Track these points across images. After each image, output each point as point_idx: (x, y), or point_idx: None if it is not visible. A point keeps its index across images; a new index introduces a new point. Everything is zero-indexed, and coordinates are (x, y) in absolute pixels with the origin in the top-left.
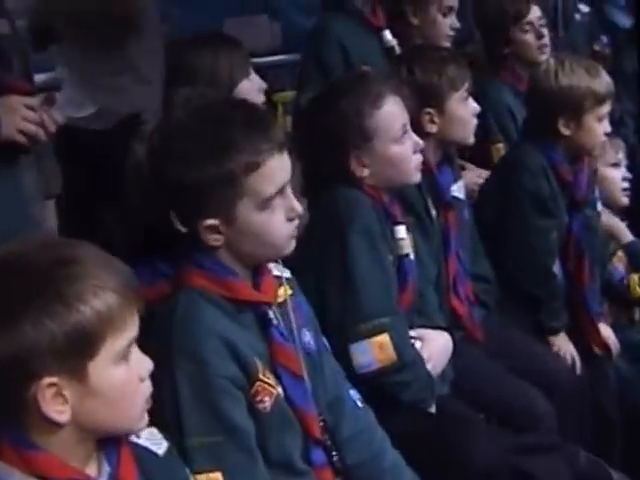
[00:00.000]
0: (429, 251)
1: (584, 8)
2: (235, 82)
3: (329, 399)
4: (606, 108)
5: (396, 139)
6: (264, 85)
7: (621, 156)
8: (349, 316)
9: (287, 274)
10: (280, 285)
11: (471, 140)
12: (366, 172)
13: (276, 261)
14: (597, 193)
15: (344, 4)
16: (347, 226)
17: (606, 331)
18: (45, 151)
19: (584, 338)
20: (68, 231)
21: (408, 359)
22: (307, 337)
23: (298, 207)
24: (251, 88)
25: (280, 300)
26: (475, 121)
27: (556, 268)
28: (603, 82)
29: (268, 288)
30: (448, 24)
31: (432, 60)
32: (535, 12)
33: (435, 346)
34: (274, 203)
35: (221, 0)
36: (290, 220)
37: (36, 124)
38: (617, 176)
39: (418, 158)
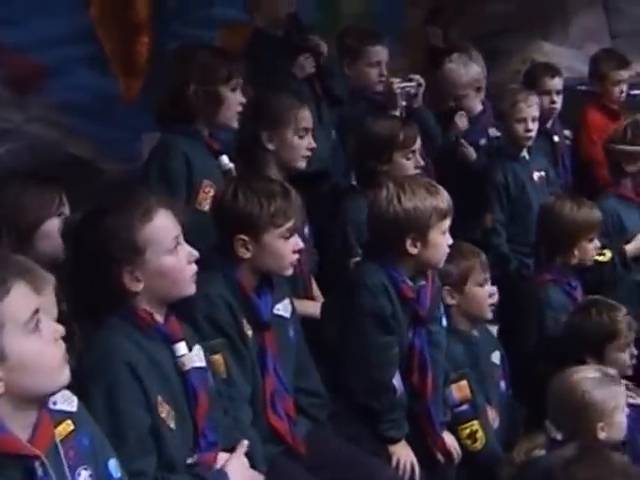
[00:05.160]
0: (242, 371)
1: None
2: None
3: None
4: (448, 222)
5: (169, 251)
6: None
7: (488, 275)
8: None
9: (74, 407)
10: (61, 422)
11: (288, 272)
12: (140, 286)
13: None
14: (442, 309)
15: (188, 131)
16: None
17: (449, 439)
18: None
19: (427, 446)
20: None
21: None
22: (83, 477)
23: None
24: None
25: (59, 439)
26: (295, 256)
27: (397, 381)
28: (443, 198)
29: (41, 438)
30: (304, 145)
31: (259, 191)
32: (419, 142)
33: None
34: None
35: None
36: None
37: None
38: (484, 294)
39: (192, 268)
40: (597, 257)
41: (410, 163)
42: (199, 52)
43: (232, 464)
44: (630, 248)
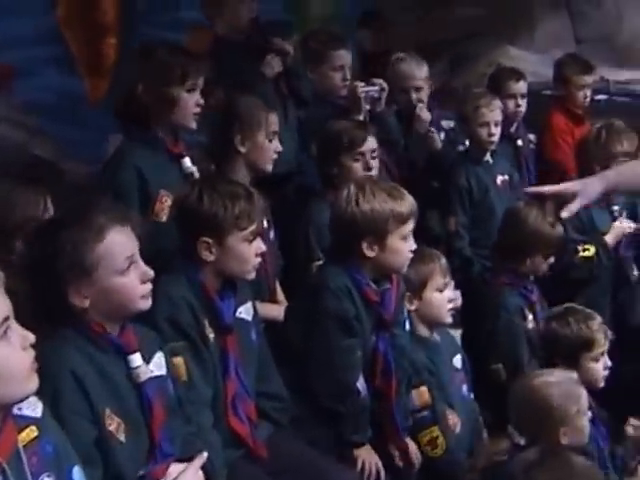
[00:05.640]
0: (203, 374)
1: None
2: None
3: None
4: (409, 227)
5: (120, 271)
6: None
7: (448, 279)
8: None
9: (38, 413)
10: (25, 428)
11: (251, 275)
12: (87, 303)
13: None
14: (406, 313)
15: (146, 136)
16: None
17: (410, 445)
18: None
19: (387, 451)
20: None
21: None
22: None
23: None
24: None
25: (23, 444)
26: (258, 260)
27: (361, 385)
28: (406, 203)
29: (3, 443)
30: (273, 148)
31: (223, 193)
32: (370, 144)
33: None
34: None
35: None
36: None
37: None
38: (443, 300)
39: (146, 288)
40: (582, 253)
41: (358, 165)
42: (158, 50)
43: (185, 477)
44: (610, 239)
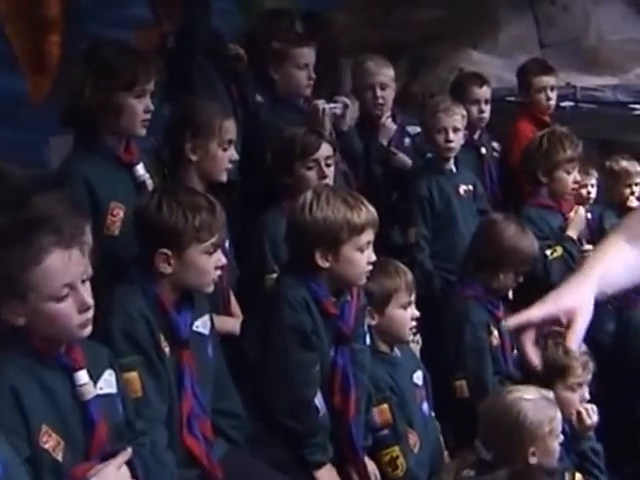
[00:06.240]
0: (158, 390)
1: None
2: None
3: None
4: (366, 238)
5: (55, 297)
6: None
7: (414, 297)
8: None
9: None
10: None
11: (209, 289)
12: (22, 321)
13: None
14: (366, 327)
15: (94, 144)
16: None
17: (370, 465)
18: None
19: (346, 471)
20: None
21: None
22: None
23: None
24: None
25: None
26: (218, 273)
27: (319, 402)
28: (362, 212)
29: None
30: (227, 157)
31: (184, 204)
32: (324, 151)
33: None
34: None
35: None
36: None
37: None
38: (406, 318)
39: (84, 317)
40: (552, 255)
41: (312, 173)
42: (104, 51)
43: (105, 473)
44: (572, 232)
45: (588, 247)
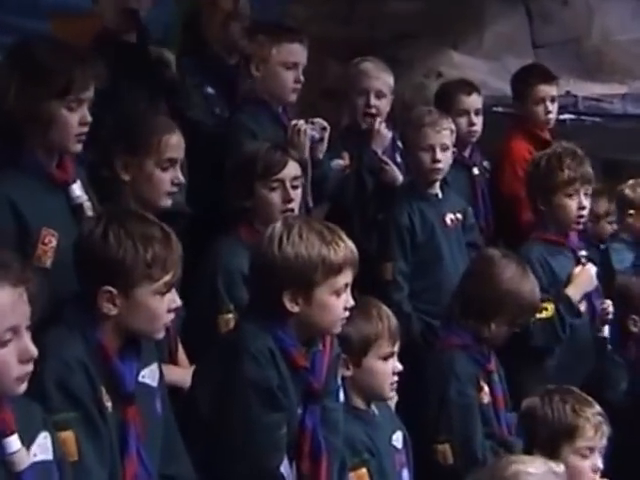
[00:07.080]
0: (98, 452)
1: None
2: None
3: None
4: (344, 279)
5: None
6: None
7: (397, 348)
8: None
9: None
10: None
11: (160, 335)
12: None
13: None
14: (340, 380)
15: (20, 159)
16: None
17: None
18: None
19: None
20: None
21: None
22: None
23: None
24: None
25: None
26: (171, 316)
27: (285, 469)
28: (340, 250)
29: None
30: (168, 179)
31: (133, 233)
32: (290, 170)
33: None
34: None
35: None
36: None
37: None
38: (387, 371)
39: (25, 369)
40: (539, 315)
41: (275, 195)
42: (35, 49)
43: None
44: (572, 291)
45: (608, 302)
